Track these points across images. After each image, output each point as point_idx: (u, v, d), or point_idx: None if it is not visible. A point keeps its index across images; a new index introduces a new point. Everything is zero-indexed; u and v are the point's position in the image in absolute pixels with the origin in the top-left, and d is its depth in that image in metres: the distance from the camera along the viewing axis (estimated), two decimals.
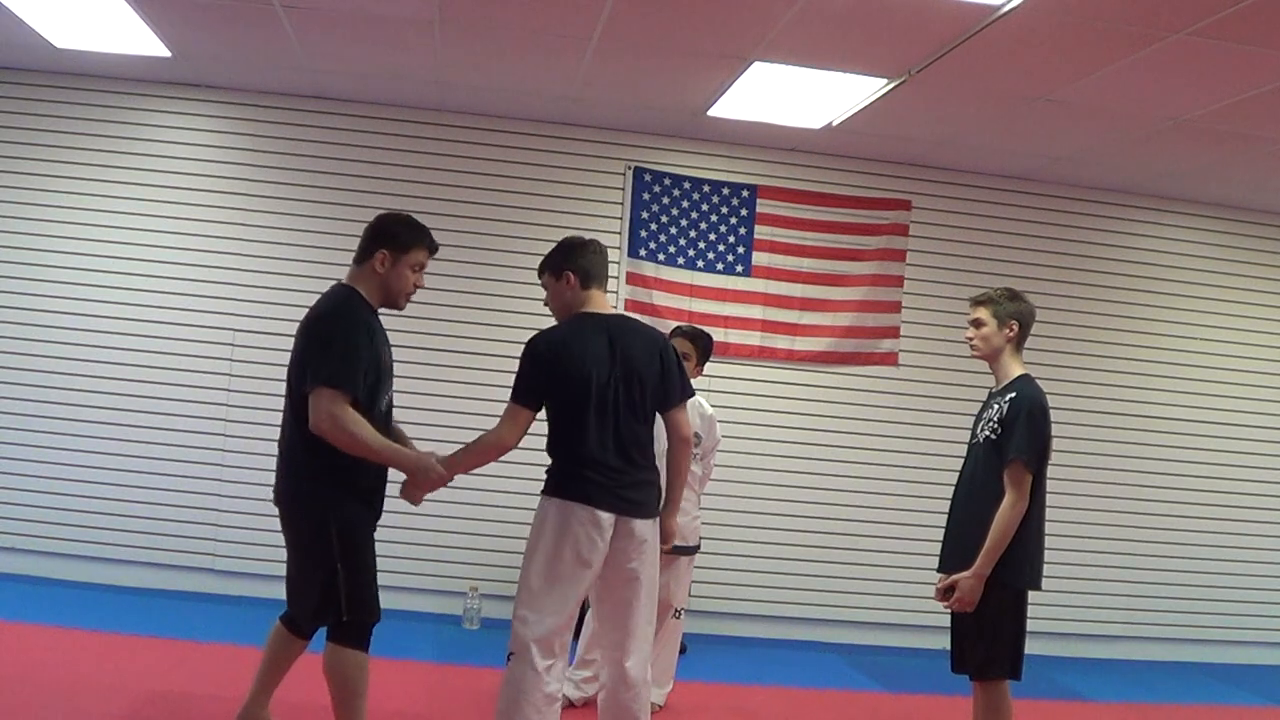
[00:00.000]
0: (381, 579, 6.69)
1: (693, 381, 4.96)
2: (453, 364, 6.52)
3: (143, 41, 5.66)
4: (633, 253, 6.67)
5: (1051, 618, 6.43)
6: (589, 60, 5.46)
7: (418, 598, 6.43)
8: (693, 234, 6.74)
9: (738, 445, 6.35)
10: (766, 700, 5.46)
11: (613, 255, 6.62)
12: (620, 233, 6.69)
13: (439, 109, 6.58)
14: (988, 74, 5.11)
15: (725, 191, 6.78)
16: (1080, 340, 7.01)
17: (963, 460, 4.02)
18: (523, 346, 3.58)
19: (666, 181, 6.74)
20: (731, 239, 6.75)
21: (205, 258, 6.47)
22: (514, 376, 3.54)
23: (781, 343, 6.79)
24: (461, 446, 3.63)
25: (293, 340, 3.59)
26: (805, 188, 6.82)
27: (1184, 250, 7.20)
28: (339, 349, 3.39)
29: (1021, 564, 3.75)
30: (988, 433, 3.83)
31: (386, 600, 6.67)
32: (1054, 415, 3.87)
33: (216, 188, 6.50)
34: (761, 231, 6.76)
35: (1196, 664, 7.01)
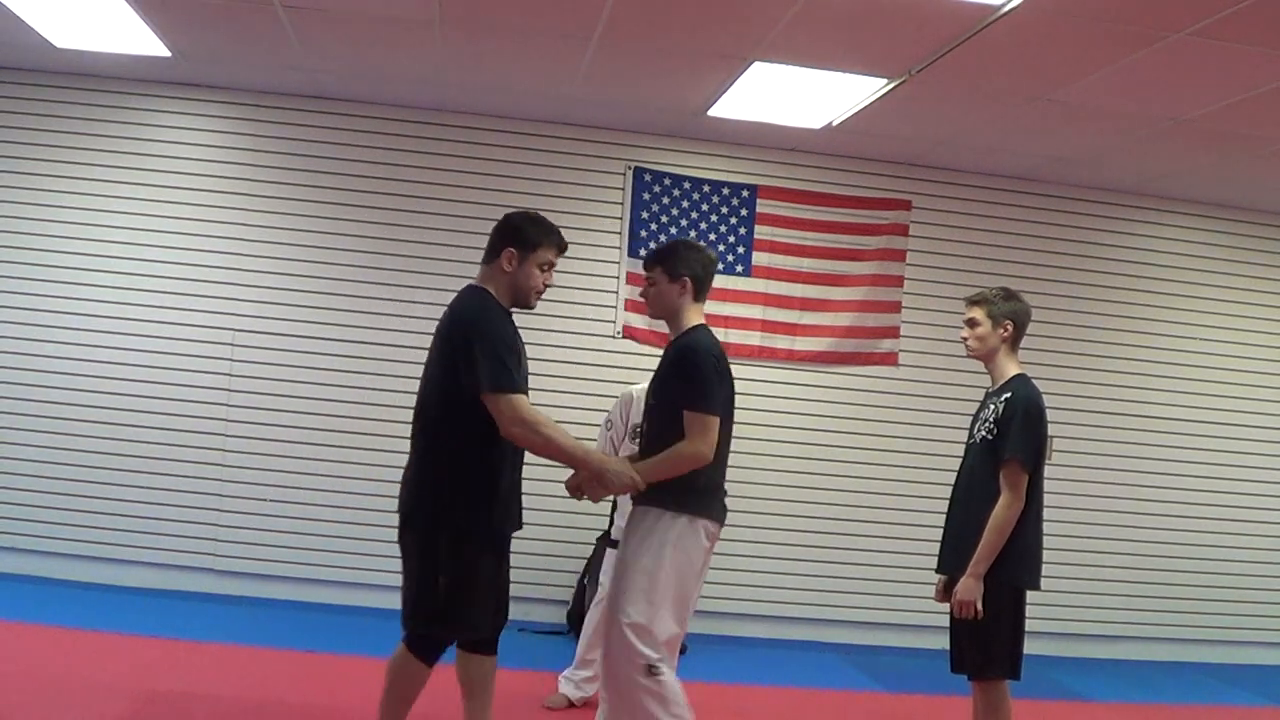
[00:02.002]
0: (382, 579, 6.74)
1: None
2: None
3: (143, 41, 5.66)
4: (633, 253, 6.67)
5: (1051, 618, 6.44)
6: (589, 60, 5.46)
7: None
8: (693, 234, 6.73)
9: (738, 445, 6.26)
10: (766, 700, 5.46)
11: (613, 255, 6.66)
12: (620, 233, 6.69)
13: (439, 109, 6.58)
14: (988, 74, 5.11)
15: (725, 191, 6.78)
16: (1080, 340, 7.00)
17: (960, 460, 4.02)
18: (697, 352, 3.54)
19: (666, 181, 6.74)
20: (731, 239, 6.75)
21: (205, 258, 6.47)
22: (699, 385, 3.50)
23: (781, 343, 6.79)
24: (656, 457, 3.56)
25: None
26: (805, 188, 6.82)
27: (1184, 250, 7.19)
28: (491, 350, 3.37)
29: (1019, 563, 3.76)
30: (984, 433, 3.83)
31: (387, 600, 6.70)
32: (1053, 415, 3.87)
33: (216, 188, 6.50)
34: (761, 231, 6.76)
35: (1196, 664, 7.01)
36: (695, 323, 3.68)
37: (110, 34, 5.61)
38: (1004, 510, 3.70)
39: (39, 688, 4.33)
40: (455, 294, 3.71)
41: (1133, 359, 7.10)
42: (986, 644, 3.78)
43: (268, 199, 6.52)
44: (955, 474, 4.03)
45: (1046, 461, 3.84)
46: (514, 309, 3.61)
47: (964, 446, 4.02)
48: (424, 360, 6.76)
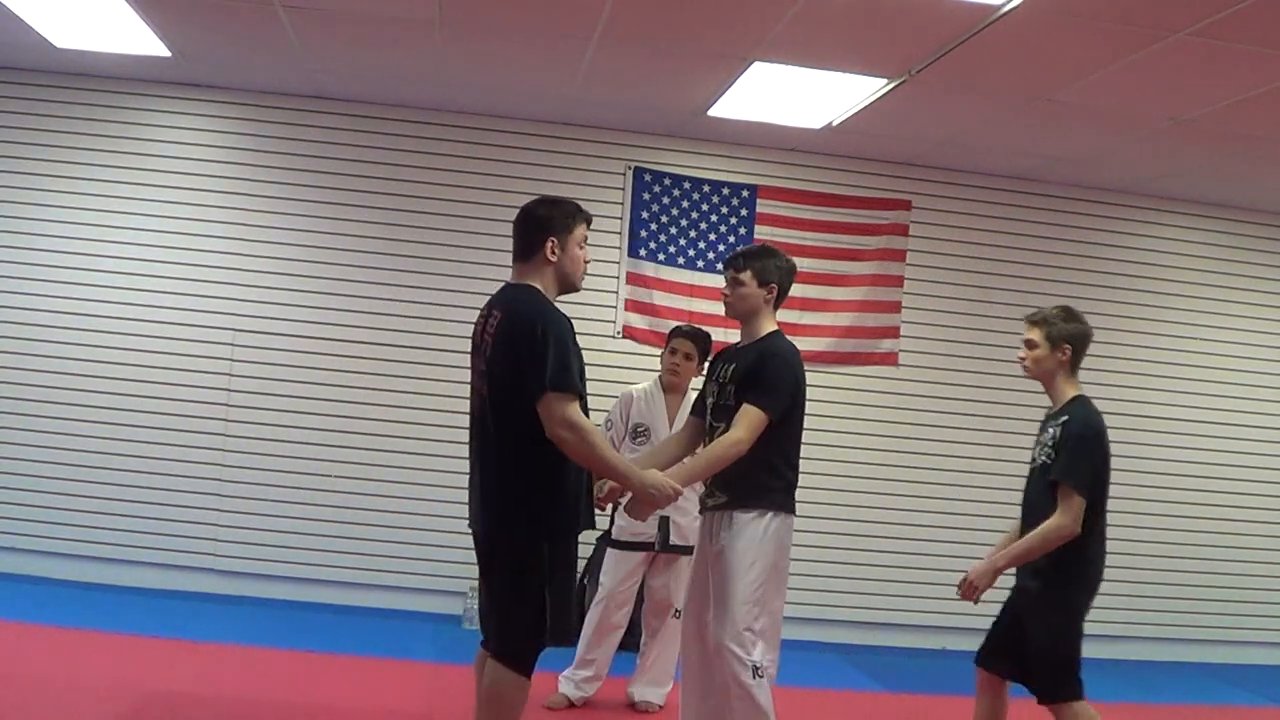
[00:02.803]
0: (382, 579, 6.73)
1: (692, 380, 5.01)
2: (455, 364, 6.51)
3: (143, 41, 5.66)
4: (633, 253, 6.67)
5: None
6: (589, 60, 5.46)
7: (418, 598, 6.43)
8: (693, 234, 6.74)
9: None
10: None
11: (613, 255, 6.65)
12: (620, 233, 6.69)
13: (439, 109, 6.58)
14: (988, 74, 5.11)
15: (725, 191, 6.78)
16: None
17: (1025, 483, 3.94)
18: (781, 359, 3.65)
19: (666, 181, 6.74)
20: (731, 239, 6.75)
21: (205, 258, 6.47)
22: (771, 389, 3.60)
23: None
24: (692, 457, 3.77)
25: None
26: (805, 188, 6.82)
27: (1184, 250, 7.19)
28: (554, 350, 3.22)
29: (1081, 587, 3.70)
30: (1043, 458, 3.75)
31: (387, 600, 6.70)
32: None
33: (216, 188, 6.50)
34: (761, 232, 6.76)
35: (1196, 664, 7.01)
36: (772, 328, 3.77)
37: (110, 34, 5.61)
38: (1051, 529, 3.61)
39: (39, 688, 4.33)
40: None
41: (1133, 359, 7.10)
42: (1061, 666, 3.68)
43: (268, 199, 6.51)
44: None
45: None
46: (562, 295, 3.50)
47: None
48: (426, 360, 6.74)
